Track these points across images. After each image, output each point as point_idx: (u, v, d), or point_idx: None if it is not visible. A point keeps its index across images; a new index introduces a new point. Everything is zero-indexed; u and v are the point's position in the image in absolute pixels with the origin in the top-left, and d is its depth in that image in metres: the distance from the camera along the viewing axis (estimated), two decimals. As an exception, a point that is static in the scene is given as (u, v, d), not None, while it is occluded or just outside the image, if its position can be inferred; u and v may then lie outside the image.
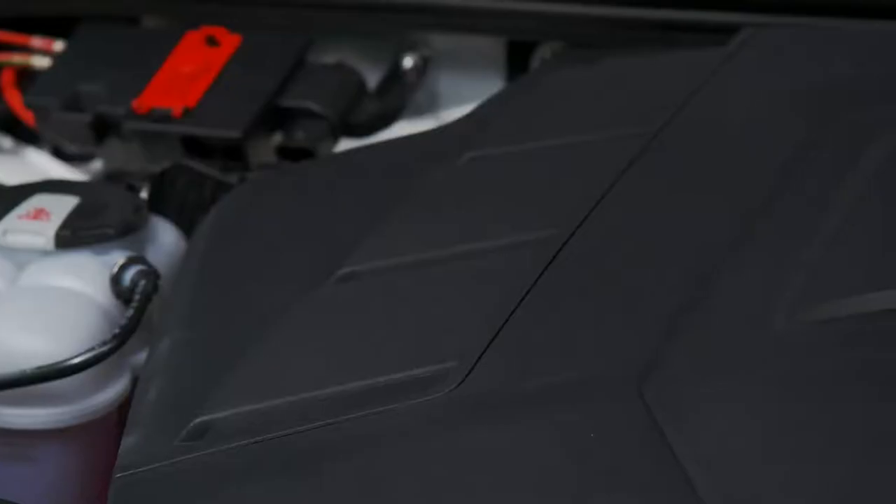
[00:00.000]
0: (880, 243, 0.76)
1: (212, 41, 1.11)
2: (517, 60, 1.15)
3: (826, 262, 0.76)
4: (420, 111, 1.17)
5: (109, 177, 1.11)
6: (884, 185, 0.82)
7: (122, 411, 0.87)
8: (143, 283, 0.89)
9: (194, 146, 1.06)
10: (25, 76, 1.14)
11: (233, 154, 1.05)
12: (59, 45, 1.14)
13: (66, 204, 0.93)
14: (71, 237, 0.91)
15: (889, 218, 0.78)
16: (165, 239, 0.96)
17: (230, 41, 1.11)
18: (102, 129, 1.08)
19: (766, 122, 0.91)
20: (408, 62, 1.16)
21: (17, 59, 1.14)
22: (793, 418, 0.66)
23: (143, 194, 1.02)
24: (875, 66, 0.95)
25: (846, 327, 0.70)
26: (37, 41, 1.15)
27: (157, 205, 1.01)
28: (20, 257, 0.91)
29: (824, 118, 0.89)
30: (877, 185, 0.82)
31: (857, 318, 0.71)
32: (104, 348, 0.86)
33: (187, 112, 1.06)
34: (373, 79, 1.15)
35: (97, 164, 1.14)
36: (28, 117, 1.11)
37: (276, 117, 1.07)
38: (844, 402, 0.66)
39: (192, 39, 1.11)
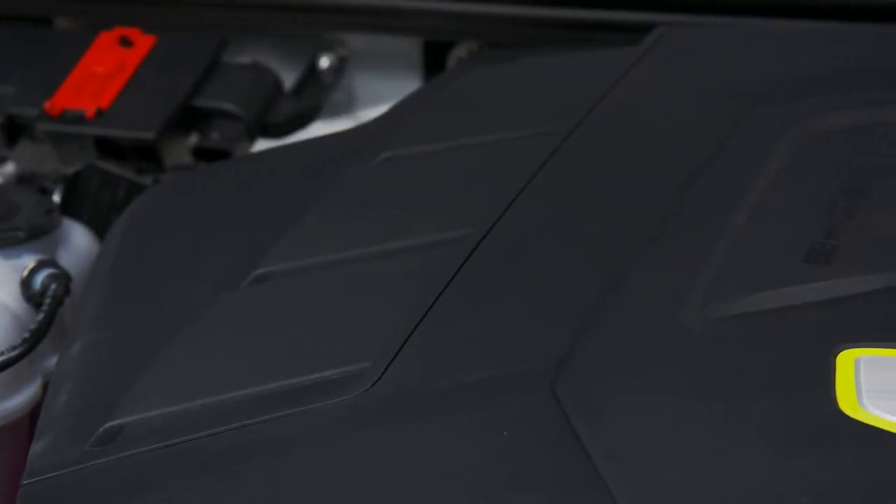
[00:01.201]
0: (785, 241, 0.77)
1: (125, 42, 1.10)
2: (434, 60, 1.15)
3: (733, 260, 0.76)
4: (337, 111, 1.17)
5: (21, 179, 1.10)
6: (789, 184, 0.83)
7: (33, 416, 0.86)
8: (53, 286, 0.88)
9: (108, 148, 1.05)
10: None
11: (147, 155, 1.05)
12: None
13: (-25, 207, 0.92)
14: (-20, 240, 0.90)
15: (794, 216, 0.79)
16: (78, 241, 0.95)
17: (144, 42, 1.10)
18: (14, 131, 1.07)
19: (678, 121, 0.91)
20: (324, 62, 1.16)
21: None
22: (701, 413, 0.67)
23: (56, 196, 1.01)
24: (784, 65, 0.96)
25: (752, 323, 0.71)
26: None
27: (70, 207, 1.00)
28: (-70, 261, 0.90)
29: (734, 117, 0.90)
30: (782, 183, 0.83)
31: (763, 314, 0.72)
32: (14, 353, 0.85)
33: (100, 113, 1.05)
34: (289, 79, 1.15)
35: (9, 167, 1.13)
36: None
37: (190, 118, 1.07)
38: (750, 397, 0.67)
39: (106, 40, 1.11)
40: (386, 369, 0.73)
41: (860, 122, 0.88)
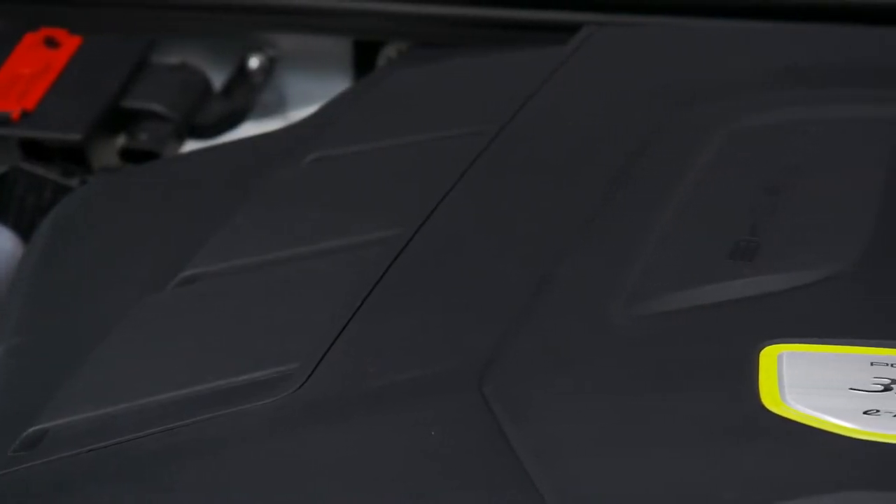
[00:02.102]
0: (710, 238, 0.77)
1: (51, 43, 1.09)
2: (364, 60, 1.15)
3: (659, 258, 0.77)
4: (267, 111, 1.16)
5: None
6: (714, 182, 0.83)
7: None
8: (-24, 290, 0.87)
9: (33, 149, 1.04)
10: None
11: (74, 157, 1.04)
12: None
13: None
14: None
15: (718, 213, 0.80)
16: (2, 244, 0.94)
17: (70, 42, 1.09)
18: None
19: (606, 120, 0.92)
20: (254, 62, 1.16)
21: None
22: (628, 410, 0.68)
23: (-19, 199, 1.01)
24: (710, 64, 0.97)
25: (677, 320, 0.72)
26: None
27: (-5, 209, 1.00)
28: None
29: (661, 116, 0.91)
30: (708, 181, 0.83)
31: (688, 311, 0.72)
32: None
33: (26, 115, 1.04)
34: (218, 79, 1.14)
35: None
36: None
37: (118, 119, 1.06)
38: (676, 394, 0.68)
39: (32, 41, 1.10)
40: (314, 370, 0.73)
41: (783, 120, 0.89)
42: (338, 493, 0.67)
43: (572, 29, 1.02)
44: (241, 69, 1.15)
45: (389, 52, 1.15)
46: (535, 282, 0.77)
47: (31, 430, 0.71)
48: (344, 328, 0.75)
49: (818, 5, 1.02)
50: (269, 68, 1.16)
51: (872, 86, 0.91)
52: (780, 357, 0.68)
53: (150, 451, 0.70)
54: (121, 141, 1.07)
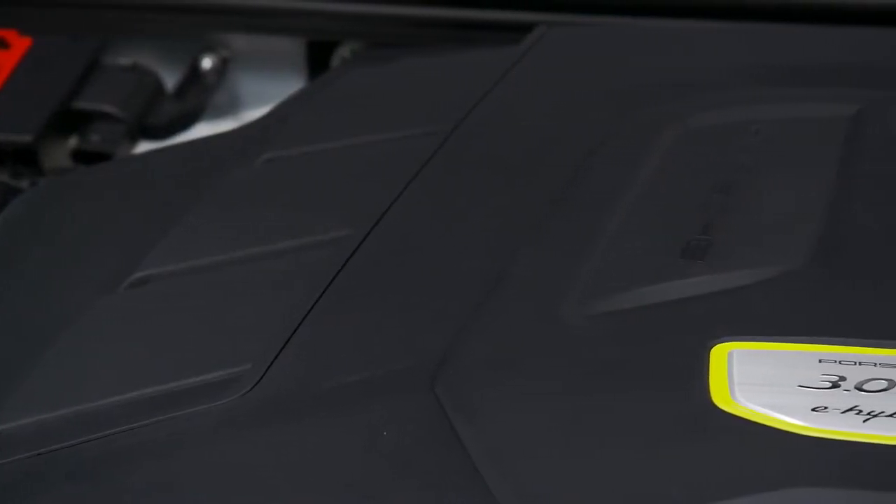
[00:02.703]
0: (662, 237, 0.78)
1: (1, 44, 1.08)
2: (318, 60, 1.15)
3: (612, 257, 0.77)
4: (220, 112, 1.16)
5: None
6: (667, 181, 0.84)
7: None
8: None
9: (-17, 151, 1.04)
10: None
11: (24, 159, 1.03)
12: None
13: None
14: None
15: (671, 212, 0.80)
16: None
17: (21, 44, 1.08)
18: None
19: (559, 120, 0.92)
20: (206, 63, 1.15)
21: None
22: (579, 409, 0.68)
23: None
24: (663, 64, 0.97)
25: (629, 319, 0.72)
26: None
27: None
28: None
29: (614, 115, 0.91)
30: (660, 180, 0.84)
31: (640, 309, 0.72)
32: None
33: (-25, 116, 1.03)
34: (171, 80, 1.14)
35: None
36: None
37: (69, 120, 1.05)
38: (627, 392, 0.68)
39: (-19, 42, 1.09)
40: (266, 371, 0.72)
41: (735, 119, 0.89)
42: (290, 494, 0.66)
43: (525, 29, 1.03)
44: (194, 70, 1.15)
45: (343, 52, 1.15)
46: (488, 281, 0.77)
47: (-21, 434, 0.70)
48: (296, 329, 0.75)
49: (767, 5, 1.03)
50: (221, 69, 1.15)
51: (822, 84, 0.92)
52: (730, 355, 0.69)
53: (101, 453, 0.69)
54: (72, 142, 1.07)
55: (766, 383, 0.66)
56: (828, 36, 0.98)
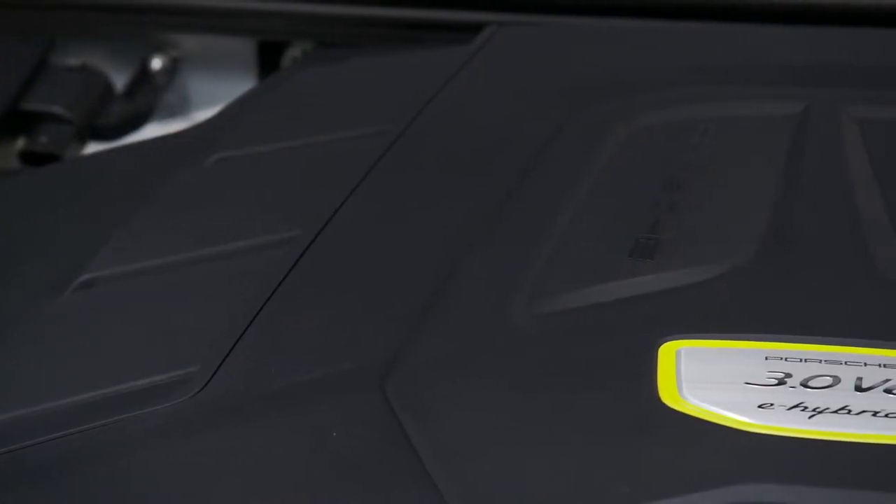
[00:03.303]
0: (610, 236, 0.78)
1: (-53, 45, 1.08)
2: (268, 60, 1.14)
3: (561, 257, 0.77)
4: (170, 113, 1.15)
5: None
6: (615, 180, 0.84)
7: None
8: None
9: (-70, 153, 1.03)
10: None
11: (-28, 160, 1.03)
12: None
13: None
14: None
15: (619, 211, 0.81)
16: None
17: (-33, 45, 1.08)
18: None
19: (509, 119, 0.92)
20: (156, 63, 1.15)
21: None
22: (528, 408, 0.68)
23: None
24: (611, 63, 0.97)
25: (578, 318, 0.72)
26: None
27: None
28: None
29: (564, 114, 0.91)
30: (608, 179, 0.84)
31: (588, 308, 0.73)
32: None
33: (-78, 118, 1.03)
34: (120, 81, 1.13)
35: None
36: None
37: (17, 121, 1.05)
38: (575, 390, 0.68)
39: (-74, 43, 1.08)
40: (215, 373, 0.72)
41: (683, 117, 0.90)
42: (238, 495, 0.66)
43: (476, 28, 1.03)
44: (144, 70, 1.14)
45: (294, 52, 1.15)
46: (438, 281, 0.77)
47: (-77, 438, 0.70)
48: (245, 330, 0.75)
49: (714, 4, 1.04)
50: (171, 69, 1.15)
51: (768, 83, 0.93)
52: (678, 353, 0.69)
53: (48, 457, 0.69)
54: (20, 143, 1.06)
55: (713, 381, 0.67)
56: (774, 34, 0.99)
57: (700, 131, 0.89)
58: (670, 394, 0.66)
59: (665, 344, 0.69)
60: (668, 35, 1.02)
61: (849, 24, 1.00)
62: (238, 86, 1.12)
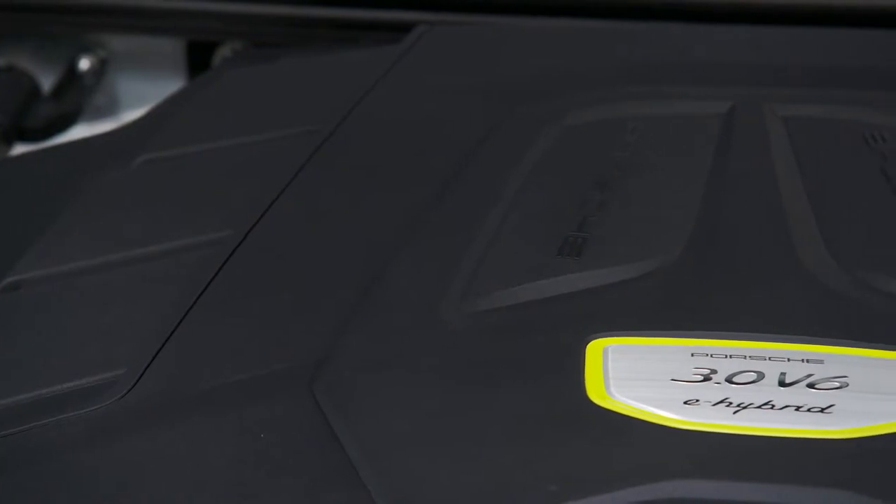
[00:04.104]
0: (540, 235, 0.78)
1: None
2: (198, 60, 1.14)
3: (490, 255, 0.78)
4: (99, 114, 1.14)
5: None
6: (545, 179, 0.84)
7: None
8: None
9: None
10: None
11: None
12: None
13: None
14: None
15: (549, 210, 0.81)
16: None
17: None
18: None
19: (438, 119, 0.92)
20: (84, 64, 1.14)
21: None
22: (457, 406, 0.68)
23: None
24: (542, 63, 0.98)
25: (507, 316, 0.72)
26: None
27: None
28: None
29: (493, 114, 0.91)
30: (539, 178, 0.84)
31: (518, 307, 0.73)
32: None
33: None
34: (47, 81, 1.12)
35: None
36: None
37: (-58, 123, 1.04)
38: (504, 389, 0.68)
39: None
40: (142, 375, 0.71)
41: (611, 117, 0.90)
42: (165, 498, 0.66)
43: (405, 28, 1.03)
44: (71, 71, 1.13)
45: (224, 52, 1.14)
46: (368, 281, 0.77)
47: None
48: (173, 332, 0.74)
49: (643, 4, 1.04)
50: (100, 70, 1.14)
51: (696, 82, 0.93)
52: (605, 350, 0.69)
53: (-29, 462, 0.68)
54: (-55, 146, 1.05)
55: (640, 378, 0.67)
56: (701, 34, 1.00)
57: (629, 130, 0.90)
58: (598, 391, 0.67)
59: (593, 341, 0.69)
60: (596, 34, 1.02)
61: (773, 23, 1.01)
62: (167, 86, 1.12)
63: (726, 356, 0.67)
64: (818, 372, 0.65)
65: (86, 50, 1.15)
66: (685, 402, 0.65)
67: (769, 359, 0.67)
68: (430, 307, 0.74)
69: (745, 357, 0.67)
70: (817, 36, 1.03)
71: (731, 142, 0.86)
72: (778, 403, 0.64)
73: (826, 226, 0.77)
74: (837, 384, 0.65)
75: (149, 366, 0.72)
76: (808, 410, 0.63)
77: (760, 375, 0.66)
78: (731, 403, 0.64)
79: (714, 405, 0.64)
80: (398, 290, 0.76)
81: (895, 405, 0.63)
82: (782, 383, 0.65)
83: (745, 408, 0.64)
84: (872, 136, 0.89)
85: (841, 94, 0.93)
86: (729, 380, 0.66)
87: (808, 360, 0.66)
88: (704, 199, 0.81)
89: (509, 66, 0.97)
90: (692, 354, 0.68)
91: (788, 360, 0.66)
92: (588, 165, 0.86)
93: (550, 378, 0.68)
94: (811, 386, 0.65)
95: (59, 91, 1.13)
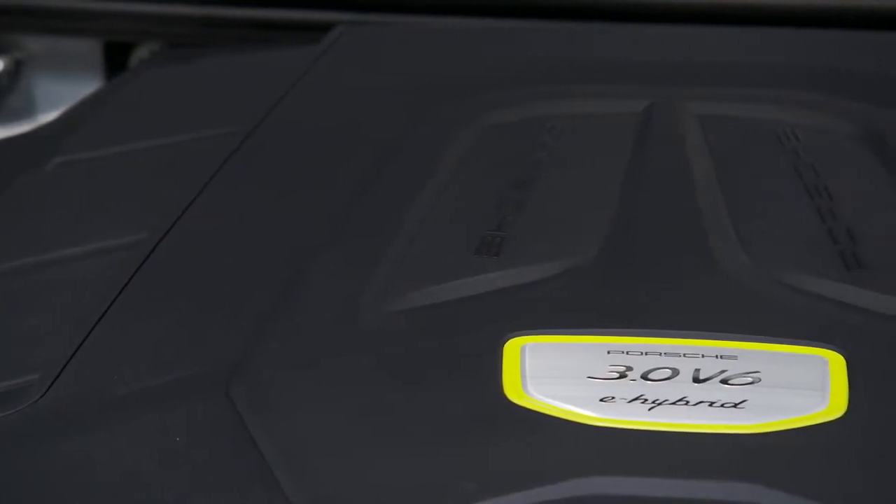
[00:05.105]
0: (458, 234, 0.78)
1: None
2: (115, 61, 1.13)
3: (409, 255, 0.78)
4: (14, 116, 1.13)
5: None
6: (464, 178, 0.84)
7: None
8: None
9: None
10: None
11: None
12: None
13: None
14: None
15: (467, 209, 0.81)
16: None
17: None
18: None
19: (357, 119, 0.92)
20: (-1, 65, 1.13)
21: None
22: (374, 407, 0.67)
23: None
24: (461, 62, 0.98)
25: (426, 316, 0.72)
26: None
27: None
28: None
29: (412, 113, 0.91)
30: (457, 177, 0.84)
31: (436, 306, 0.73)
32: None
33: None
34: (-39, 83, 1.11)
35: None
36: None
37: None
38: (422, 388, 0.68)
39: None
40: (55, 380, 0.71)
41: (530, 116, 0.91)
42: (79, 503, 0.65)
43: (324, 28, 1.03)
44: (-15, 72, 1.12)
45: (142, 53, 1.13)
46: (286, 282, 0.76)
47: None
48: (87, 336, 0.74)
49: (559, 5, 1.05)
50: (15, 71, 1.13)
51: (614, 81, 0.94)
52: (522, 349, 0.69)
53: None
54: None
55: (556, 375, 0.67)
56: (619, 33, 1.01)
57: (547, 129, 0.90)
58: (515, 389, 0.67)
59: (510, 340, 0.70)
60: (515, 34, 1.03)
61: (688, 22, 1.02)
62: (84, 87, 1.10)
63: (642, 353, 0.68)
64: (731, 368, 0.66)
65: (1, 51, 1.14)
66: (601, 400, 0.65)
67: (684, 355, 0.67)
68: (349, 308, 0.74)
69: (660, 354, 0.67)
70: (732, 35, 1.04)
71: (647, 141, 0.87)
72: (692, 399, 0.64)
73: (740, 224, 0.78)
74: (750, 380, 0.65)
75: (63, 370, 0.71)
76: (722, 406, 0.64)
77: (675, 372, 0.66)
78: (646, 400, 0.65)
79: (630, 402, 0.65)
80: (317, 291, 0.76)
81: (806, 400, 0.64)
82: (696, 379, 0.66)
83: (659, 404, 0.64)
84: (785, 133, 0.90)
85: (755, 93, 0.94)
86: (644, 377, 0.66)
87: (721, 357, 0.67)
88: (621, 197, 0.81)
89: (428, 66, 0.97)
90: (608, 352, 0.68)
91: (703, 356, 0.67)
92: (506, 165, 0.86)
93: (468, 377, 0.68)
94: (725, 382, 0.65)
95: (-28, 93, 1.12)
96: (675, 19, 1.05)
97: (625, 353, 0.68)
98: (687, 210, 0.79)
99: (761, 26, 1.06)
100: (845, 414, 0.63)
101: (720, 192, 0.81)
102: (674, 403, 0.64)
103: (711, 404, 0.64)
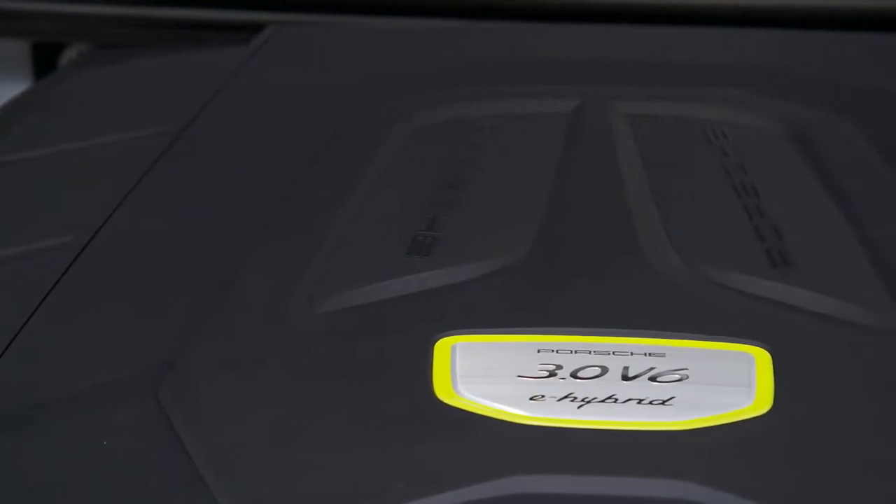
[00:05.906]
0: (389, 234, 0.78)
1: None
2: (44, 61, 1.12)
3: (340, 256, 0.77)
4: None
5: None
6: (395, 178, 0.84)
7: None
8: None
9: None
10: None
11: None
12: None
13: None
14: None
15: (398, 209, 0.81)
16: None
17: None
18: None
19: (288, 119, 0.92)
20: (-76, 67, 1.11)
21: None
22: (304, 408, 0.67)
23: None
24: (394, 62, 0.98)
25: (356, 316, 0.72)
26: None
27: None
28: None
29: (343, 114, 0.91)
30: (389, 178, 0.84)
31: (366, 307, 0.73)
32: None
33: None
34: None
35: None
36: None
37: None
38: (352, 389, 0.68)
39: None
40: (-22, 385, 0.70)
41: (461, 116, 0.91)
42: (6, 509, 0.64)
43: (255, 29, 1.02)
44: (-88, 73, 1.11)
45: (71, 53, 1.12)
46: (216, 284, 0.76)
47: None
48: (13, 339, 0.73)
49: (490, 5, 1.05)
50: (-59, 72, 1.12)
51: (544, 81, 0.94)
52: (453, 348, 0.69)
53: None
54: None
55: (486, 375, 0.67)
56: (549, 33, 1.01)
57: (477, 129, 0.90)
58: (445, 389, 0.67)
59: (441, 340, 0.70)
60: (446, 34, 1.03)
61: (618, 21, 1.03)
62: (12, 88, 1.09)
63: (571, 351, 0.68)
64: (660, 365, 0.66)
65: (-74, 52, 1.12)
66: (531, 398, 0.65)
67: (613, 353, 0.67)
68: (279, 308, 0.74)
69: (589, 352, 0.68)
70: (662, 34, 1.05)
71: (577, 140, 0.87)
72: (621, 397, 0.65)
73: (669, 222, 0.79)
74: (678, 377, 0.66)
75: (-13, 375, 0.71)
76: (650, 403, 0.64)
77: (604, 370, 0.66)
78: (575, 398, 0.65)
79: (559, 400, 0.65)
80: (246, 291, 0.76)
81: (732, 397, 0.65)
82: (625, 377, 0.66)
83: (589, 402, 0.65)
84: (714, 132, 0.91)
85: (684, 92, 0.95)
86: (574, 375, 0.66)
87: (650, 354, 0.67)
88: (551, 197, 0.81)
89: (359, 66, 0.97)
90: (538, 350, 0.68)
91: (632, 353, 0.67)
92: (437, 165, 0.86)
93: (398, 377, 0.68)
94: (653, 379, 0.66)
95: None
96: (606, 19, 1.06)
97: (554, 352, 0.68)
98: (617, 209, 0.80)
99: (691, 26, 1.07)
100: (771, 410, 0.64)
101: (649, 190, 0.82)
102: (603, 401, 0.64)
103: (640, 402, 0.64)
